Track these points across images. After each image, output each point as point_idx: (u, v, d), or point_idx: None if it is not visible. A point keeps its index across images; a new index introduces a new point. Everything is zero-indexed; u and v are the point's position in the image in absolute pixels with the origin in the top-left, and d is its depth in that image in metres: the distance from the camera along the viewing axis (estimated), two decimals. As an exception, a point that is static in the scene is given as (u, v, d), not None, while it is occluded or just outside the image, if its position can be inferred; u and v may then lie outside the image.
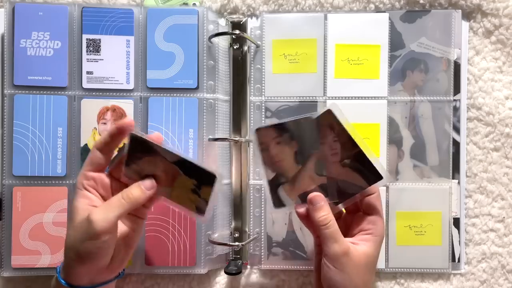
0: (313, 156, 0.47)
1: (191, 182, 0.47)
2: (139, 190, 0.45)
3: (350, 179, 0.47)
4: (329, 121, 0.46)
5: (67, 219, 0.46)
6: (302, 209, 0.47)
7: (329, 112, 0.46)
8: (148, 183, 0.46)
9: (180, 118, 0.56)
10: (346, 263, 0.45)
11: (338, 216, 0.48)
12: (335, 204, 0.47)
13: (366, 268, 0.46)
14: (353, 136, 0.46)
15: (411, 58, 0.57)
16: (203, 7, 0.57)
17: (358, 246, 0.46)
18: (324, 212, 0.46)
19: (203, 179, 0.47)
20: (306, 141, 0.47)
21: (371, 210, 0.47)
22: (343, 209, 0.49)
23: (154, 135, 0.47)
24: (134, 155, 0.46)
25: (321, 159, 0.47)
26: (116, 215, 0.43)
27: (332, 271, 0.45)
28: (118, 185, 0.47)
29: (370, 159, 0.46)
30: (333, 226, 0.45)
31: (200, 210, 0.48)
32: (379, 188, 0.48)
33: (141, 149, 0.46)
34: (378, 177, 0.46)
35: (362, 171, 0.46)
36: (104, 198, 0.46)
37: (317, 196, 0.47)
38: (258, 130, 0.47)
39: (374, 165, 0.46)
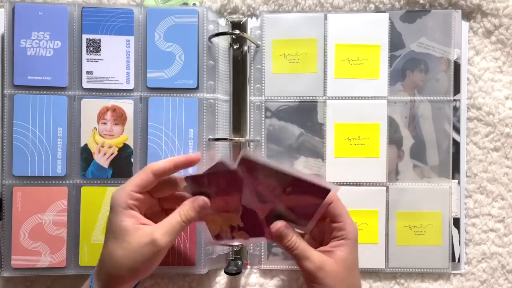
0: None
1: (238, 221, 0.48)
2: (193, 210, 0.46)
3: (303, 202, 0.46)
4: (249, 165, 0.45)
5: (110, 237, 0.45)
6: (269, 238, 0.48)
7: (244, 158, 0.45)
8: (202, 202, 0.47)
9: (180, 118, 0.56)
10: (323, 276, 0.45)
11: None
12: (299, 224, 0.47)
13: (347, 273, 0.46)
14: (278, 168, 0.45)
15: (411, 58, 0.57)
16: (203, 7, 0.57)
17: (333, 253, 0.46)
18: (288, 238, 0.46)
19: (251, 230, 0.48)
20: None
21: (337, 218, 0.47)
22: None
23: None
24: (212, 177, 0.46)
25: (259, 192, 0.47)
26: (177, 235, 0.45)
27: (313, 285, 0.45)
28: (149, 199, 0.48)
29: (308, 179, 0.45)
30: (299, 247, 0.46)
31: (219, 238, 0.49)
32: (335, 194, 0.48)
33: (224, 178, 0.46)
34: (326, 190, 0.45)
35: (308, 192, 0.46)
36: (144, 214, 0.47)
37: (277, 229, 0.46)
38: None
39: (316, 183, 0.45)
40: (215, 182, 0.46)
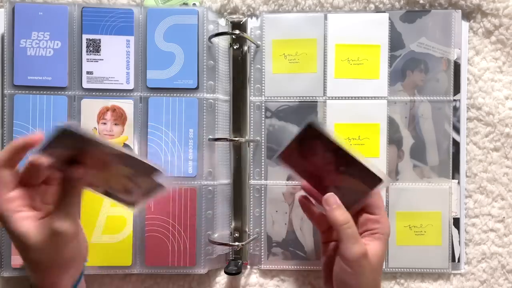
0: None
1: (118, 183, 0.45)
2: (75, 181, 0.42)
3: (351, 185, 0.46)
4: (314, 133, 0.45)
5: (19, 250, 0.42)
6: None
7: (310, 126, 0.45)
8: (76, 172, 0.42)
9: (180, 118, 0.56)
10: (364, 265, 0.44)
11: None
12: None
13: (378, 269, 0.46)
14: (341, 144, 0.45)
15: (411, 58, 0.57)
16: (203, 7, 0.57)
17: (368, 246, 0.45)
18: (344, 211, 0.45)
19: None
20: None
21: (374, 210, 0.47)
22: None
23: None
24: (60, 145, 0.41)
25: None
26: (75, 211, 0.42)
27: (348, 273, 0.44)
28: (31, 191, 0.44)
29: (365, 164, 0.45)
30: (353, 226, 0.45)
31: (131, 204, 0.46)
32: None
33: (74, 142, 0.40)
34: (378, 180, 0.45)
35: (360, 177, 0.46)
36: (32, 205, 0.43)
37: (332, 196, 0.46)
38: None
39: (371, 169, 0.45)
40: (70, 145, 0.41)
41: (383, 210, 0.47)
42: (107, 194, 0.46)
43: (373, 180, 0.45)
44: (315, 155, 0.46)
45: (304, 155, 0.46)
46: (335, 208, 0.45)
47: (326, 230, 0.50)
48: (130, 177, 0.44)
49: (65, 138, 0.40)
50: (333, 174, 0.46)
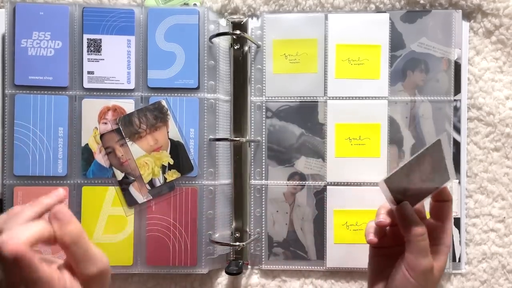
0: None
1: (168, 159, 0.48)
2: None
3: (424, 187, 0.46)
4: (433, 150, 0.44)
5: None
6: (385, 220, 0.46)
7: (438, 143, 0.44)
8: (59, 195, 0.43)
9: (181, 118, 0.56)
10: (429, 279, 0.44)
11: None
12: None
13: (437, 282, 0.46)
14: (447, 157, 0.45)
15: (411, 58, 0.57)
16: (204, 7, 0.57)
17: (434, 261, 0.45)
18: (419, 222, 0.44)
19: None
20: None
21: (444, 217, 0.47)
22: None
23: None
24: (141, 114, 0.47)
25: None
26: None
27: (411, 285, 0.44)
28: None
29: (447, 165, 0.45)
30: (427, 239, 0.44)
31: (153, 185, 0.49)
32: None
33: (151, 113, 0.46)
34: (447, 178, 0.46)
35: (435, 178, 0.46)
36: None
37: (407, 205, 0.44)
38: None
39: (448, 169, 0.46)
40: (144, 119, 0.46)
41: (451, 221, 0.47)
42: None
43: (443, 178, 0.46)
44: (417, 171, 0.44)
45: (408, 173, 0.44)
46: (412, 219, 0.44)
47: (380, 236, 0.49)
48: (165, 167, 0.50)
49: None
50: (419, 183, 0.45)
